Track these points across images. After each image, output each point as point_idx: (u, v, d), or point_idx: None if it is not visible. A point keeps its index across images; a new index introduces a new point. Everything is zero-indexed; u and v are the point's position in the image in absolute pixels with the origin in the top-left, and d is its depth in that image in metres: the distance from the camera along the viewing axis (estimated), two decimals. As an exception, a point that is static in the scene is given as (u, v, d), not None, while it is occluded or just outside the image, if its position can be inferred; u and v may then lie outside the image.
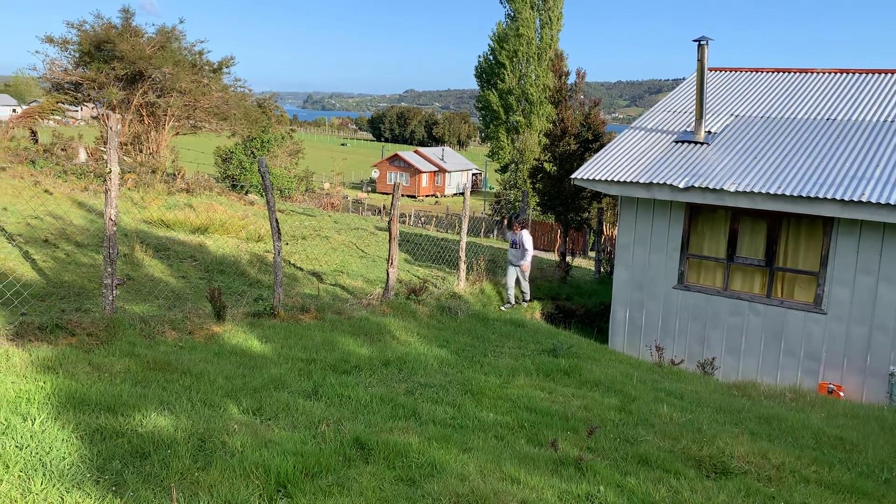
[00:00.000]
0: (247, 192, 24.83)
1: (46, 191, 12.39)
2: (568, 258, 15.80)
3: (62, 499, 3.39)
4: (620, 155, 11.45)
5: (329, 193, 41.14)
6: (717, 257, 10.63)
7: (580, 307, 12.89)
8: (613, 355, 9.31)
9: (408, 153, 73.25)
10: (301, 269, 11.38)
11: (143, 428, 4.28)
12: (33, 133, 17.88)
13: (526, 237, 11.60)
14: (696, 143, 11.34)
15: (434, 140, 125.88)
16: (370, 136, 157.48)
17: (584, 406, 6.04)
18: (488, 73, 57.77)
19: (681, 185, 10.12)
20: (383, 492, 3.78)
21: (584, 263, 21.12)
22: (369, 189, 68.77)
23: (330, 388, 5.68)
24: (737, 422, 6.15)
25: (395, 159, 70.88)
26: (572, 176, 11.50)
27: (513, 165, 45.00)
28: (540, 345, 8.62)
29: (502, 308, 11.47)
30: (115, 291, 6.46)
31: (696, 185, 10.02)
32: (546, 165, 15.97)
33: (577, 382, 6.93)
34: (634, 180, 10.56)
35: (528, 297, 12.09)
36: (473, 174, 76.24)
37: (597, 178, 10.97)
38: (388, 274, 9.58)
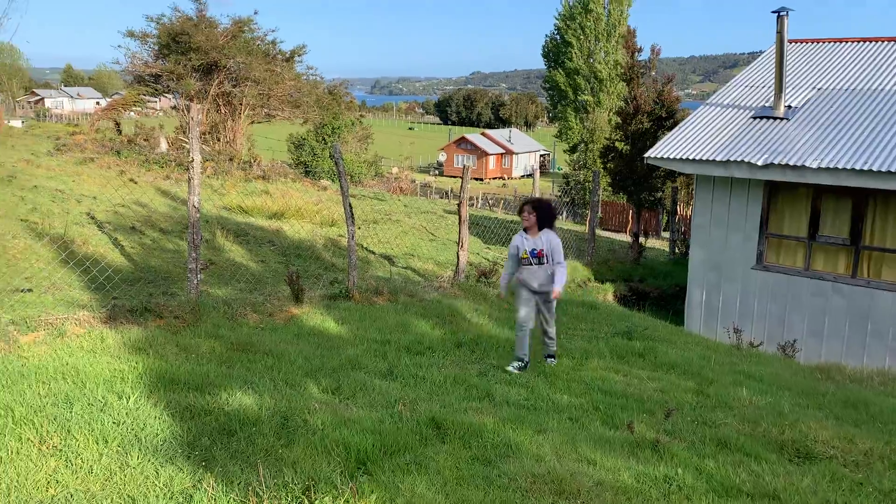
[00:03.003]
0: (319, 178, 25.33)
1: (132, 180, 12.95)
2: (641, 239, 15.52)
3: (157, 472, 3.59)
4: (696, 132, 11.14)
5: (397, 178, 41.56)
6: (798, 236, 10.25)
7: (654, 289, 12.67)
8: (689, 338, 9.13)
9: (474, 136, 73.10)
10: (373, 253, 11.57)
11: (229, 406, 4.47)
12: (117, 124, 18.70)
13: (554, 241, 6.27)
14: (775, 118, 10.92)
15: (501, 122, 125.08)
16: (437, 119, 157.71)
17: (660, 389, 5.96)
18: (555, 52, 56.90)
19: (759, 163, 9.78)
20: (460, 471, 3.85)
21: (657, 244, 20.70)
22: (437, 172, 69.00)
23: (405, 369, 5.79)
24: (820, 406, 5.96)
25: (461, 142, 70.85)
26: (645, 155, 11.27)
27: (582, 145, 44.33)
28: (613, 327, 8.53)
29: (509, 369, 6.17)
30: (199, 276, 6.74)
31: (776, 162, 9.67)
32: (618, 144, 15.68)
33: (651, 365, 6.84)
34: (711, 158, 10.26)
35: (554, 345, 6.61)
36: (541, 155, 75.52)
37: (671, 157, 10.72)
38: (458, 257, 9.64)
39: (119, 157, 14.66)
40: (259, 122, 21.49)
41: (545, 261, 6.18)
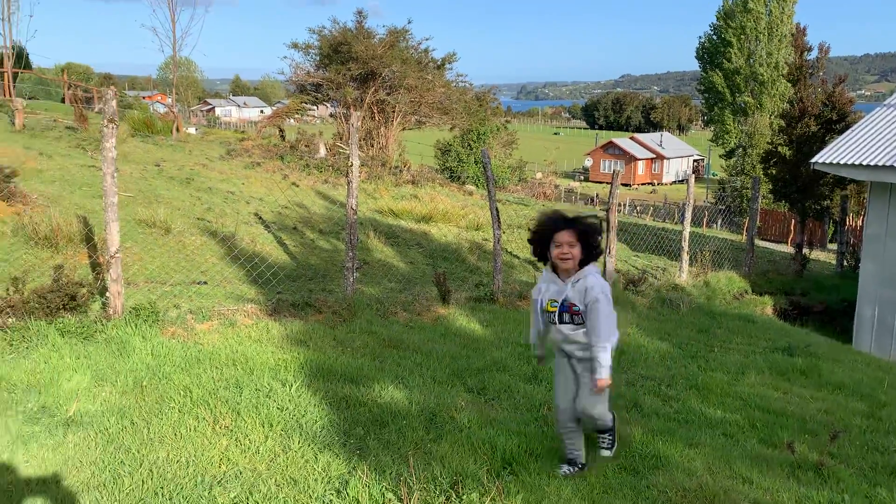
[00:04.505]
0: (464, 183, 25.73)
1: (294, 183, 13.80)
2: (804, 250, 14.50)
3: (316, 457, 3.82)
4: (870, 136, 10.27)
5: (541, 183, 41.33)
6: None
7: (818, 304, 11.80)
8: (858, 357, 8.43)
9: (623, 140, 71.32)
10: (517, 257, 11.61)
11: (381, 399, 4.67)
12: (281, 131, 19.99)
13: (597, 284, 3.66)
14: (967, 119, 9.86)
15: (651, 125, 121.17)
16: (583, 124, 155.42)
17: (825, 409, 5.56)
18: (712, 52, 54.45)
19: (947, 169, 8.86)
20: (607, 479, 3.80)
21: (821, 256, 19.25)
22: (582, 178, 67.99)
23: (549, 374, 5.77)
24: None
25: (609, 147, 69.36)
26: (812, 160, 10.54)
27: (740, 150, 42.06)
28: (772, 342, 8.04)
29: (560, 473, 3.87)
30: (354, 274, 7.08)
31: (968, 167, 8.72)
32: (780, 149, 14.74)
33: (815, 383, 6.38)
34: (889, 164, 9.43)
35: (607, 438, 4.17)
36: (695, 160, 72.37)
37: (841, 163, 9.95)
38: (605, 264, 9.47)
39: (282, 161, 15.66)
40: (410, 129, 22.21)
41: (582, 321, 3.68)
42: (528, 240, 3.86)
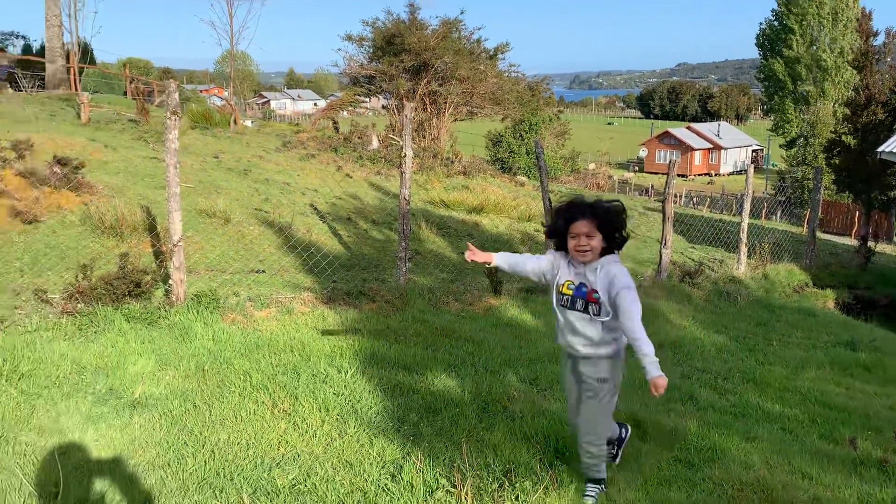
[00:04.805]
0: (515, 174, 25.64)
1: (347, 175, 13.97)
2: (870, 243, 14.01)
3: (371, 442, 3.89)
4: (942, 123, 9.85)
5: (594, 173, 40.92)
6: None
7: (884, 297, 11.40)
8: (927, 353, 8.13)
9: (679, 130, 69.88)
10: (571, 249, 11.54)
11: (434, 387, 4.72)
12: (335, 123, 20.23)
13: (623, 272, 3.24)
14: None
15: (709, 115, 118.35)
16: (638, 113, 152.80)
17: (890, 406, 5.39)
18: (772, 39, 52.78)
19: None
20: (661, 471, 3.77)
21: (888, 249, 18.56)
22: (636, 168, 66.91)
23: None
24: None
25: (664, 137, 68.05)
26: (879, 149, 10.18)
27: (801, 140, 40.74)
28: (834, 336, 7.82)
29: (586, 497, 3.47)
30: (407, 264, 7.15)
31: None
32: (845, 138, 14.28)
33: (880, 379, 6.19)
34: (961, 152, 9.05)
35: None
36: (753, 150, 70.47)
37: (910, 151, 9.59)
38: (660, 255, 9.33)
39: (336, 153, 15.86)
40: (461, 120, 22.21)
41: (599, 311, 3.25)
42: (546, 233, 3.51)
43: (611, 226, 3.23)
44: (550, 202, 8.33)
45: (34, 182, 7.75)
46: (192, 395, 4.32)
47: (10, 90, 21.76)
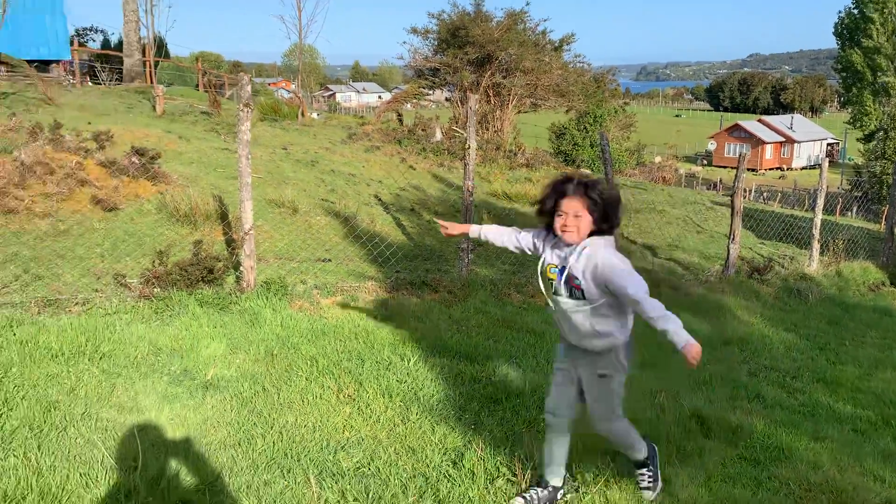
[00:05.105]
0: (578, 167, 25.38)
1: (411, 166, 14.10)
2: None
3: (433, 428, 3.95)
4: None
5: (661, 167, 40.09)
6: None
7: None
8: None
9: (750, 122, 67.83)
10: (634, 243, 11.37)
11: (495, 377, 4.76)
12: (399, 116, 20.42)
13: (608, 252, 3.01)
14: None
15: (781, 107, 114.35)
16: (707, 105, 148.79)
17: (971, 411, 5.16)
18: (851, 29, 50.66)
19: None
20: (726, 468, 3.72)
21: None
22: (704, 162, 65.27)
23: (664, 359, 5.66)
24: None
25: (734, 129, 66.16)
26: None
27: (881, 133, 39.02)
28: (912, 337, 7.51)
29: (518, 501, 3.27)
30: (469, 255, 7.19)
31: None
32: (927, 131, 13.60)
33: (961, 384, 5.92)
34: None
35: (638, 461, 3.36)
36: (829, 144, 67.88)
37: None
38: (728, 250, 9.12)
39: (400, 145, 16.01)
40: (525, 112, 22.09)
41: (583, 296, 3.02)
42: (535, 211, 3.19)
43: (602, 211, 2.98)
44: (615, 195, 8.23)
45: (114, 171, 8.10)
46: (261, 378, 4.47)
47: (90, 83, 22.75)
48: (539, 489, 3.34)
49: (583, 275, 2.98)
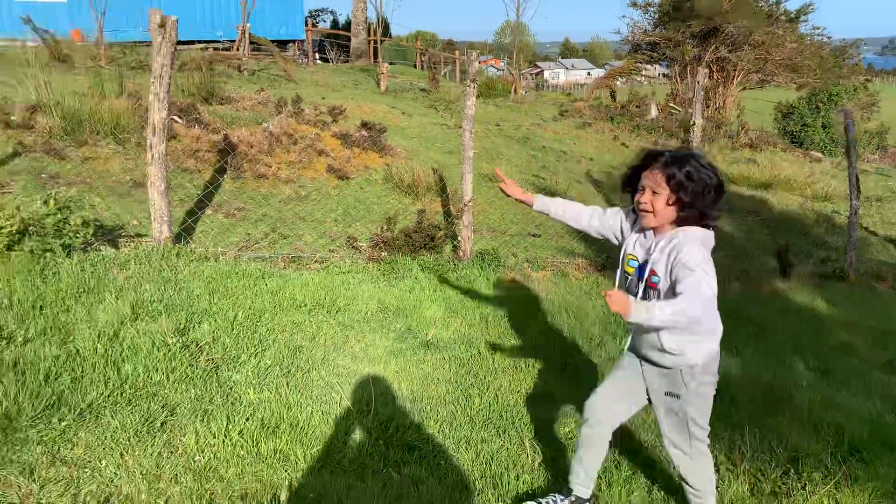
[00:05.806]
0: (808, 149, 23.19)
1: (623, 144, 13.78)
2: None
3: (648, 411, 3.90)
4: None
5: (908, 152, 35.45)
6: None
7: None
8: None
9: None
10: (875, 234, 10.27)
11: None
12: (612, 92, 19.94)
13: (696, 252, 2.41)
14: None
15: None
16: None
17: None
18: None
19: None
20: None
21: None
22: (965, 148, 56.70)
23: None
24: None
25: None
26: None
27: None
28: None
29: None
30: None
31: None
32: None
33: None
34: None
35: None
36: None
37: None
38: None
39: (612, 122, 15.68)
40: (750, 89, 20.56)
41: (658, 297, 2.53)
42: (620, 185, 2.75)
43: (686, 189, 2.44)
44: (857, 180, 7.48)
45: (346, 143, 8.78)
46: (476, 342, 4.68)
47: (320, 62, 24.67)
48: (559, 497, 2.93)
49: (665, 273, 2.48)
